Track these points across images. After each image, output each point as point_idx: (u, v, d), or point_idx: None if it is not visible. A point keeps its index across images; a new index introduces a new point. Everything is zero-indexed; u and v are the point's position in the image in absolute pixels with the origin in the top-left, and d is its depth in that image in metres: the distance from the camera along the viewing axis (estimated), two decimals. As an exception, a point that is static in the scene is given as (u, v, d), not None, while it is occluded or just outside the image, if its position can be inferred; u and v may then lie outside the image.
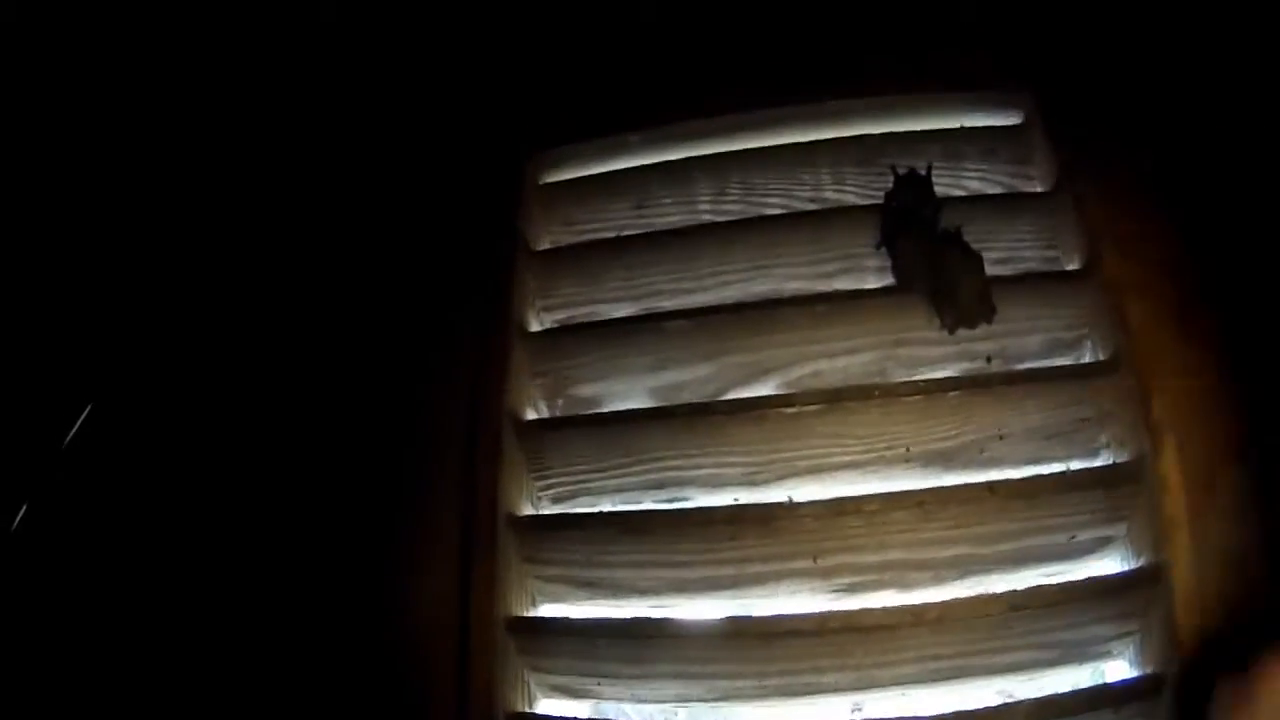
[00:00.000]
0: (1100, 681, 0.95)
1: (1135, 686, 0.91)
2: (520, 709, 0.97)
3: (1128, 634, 0.93)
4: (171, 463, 1.10)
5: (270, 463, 1.07)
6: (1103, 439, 1.00)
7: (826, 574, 0.96)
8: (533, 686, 1.00)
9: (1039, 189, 1.11)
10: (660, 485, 1.01)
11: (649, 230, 1.11)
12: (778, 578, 0.96)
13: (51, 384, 1.18)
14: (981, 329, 1.01)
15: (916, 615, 0.92)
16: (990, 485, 0.97)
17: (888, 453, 1.00)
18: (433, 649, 0.97)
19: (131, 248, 1.21)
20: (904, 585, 0.96)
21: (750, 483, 1.00)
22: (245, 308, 1.16)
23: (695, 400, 1.03)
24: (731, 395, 1.03)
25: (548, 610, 1.02)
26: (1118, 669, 0.95)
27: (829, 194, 1.10)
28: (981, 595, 0.94)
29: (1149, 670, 0.91)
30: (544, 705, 1.00)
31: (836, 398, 1.00)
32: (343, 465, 1.05)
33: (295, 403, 1.09)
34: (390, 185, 1.17)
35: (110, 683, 1.01)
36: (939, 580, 0.96)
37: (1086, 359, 1.03)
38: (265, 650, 1.00)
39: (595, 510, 1.02)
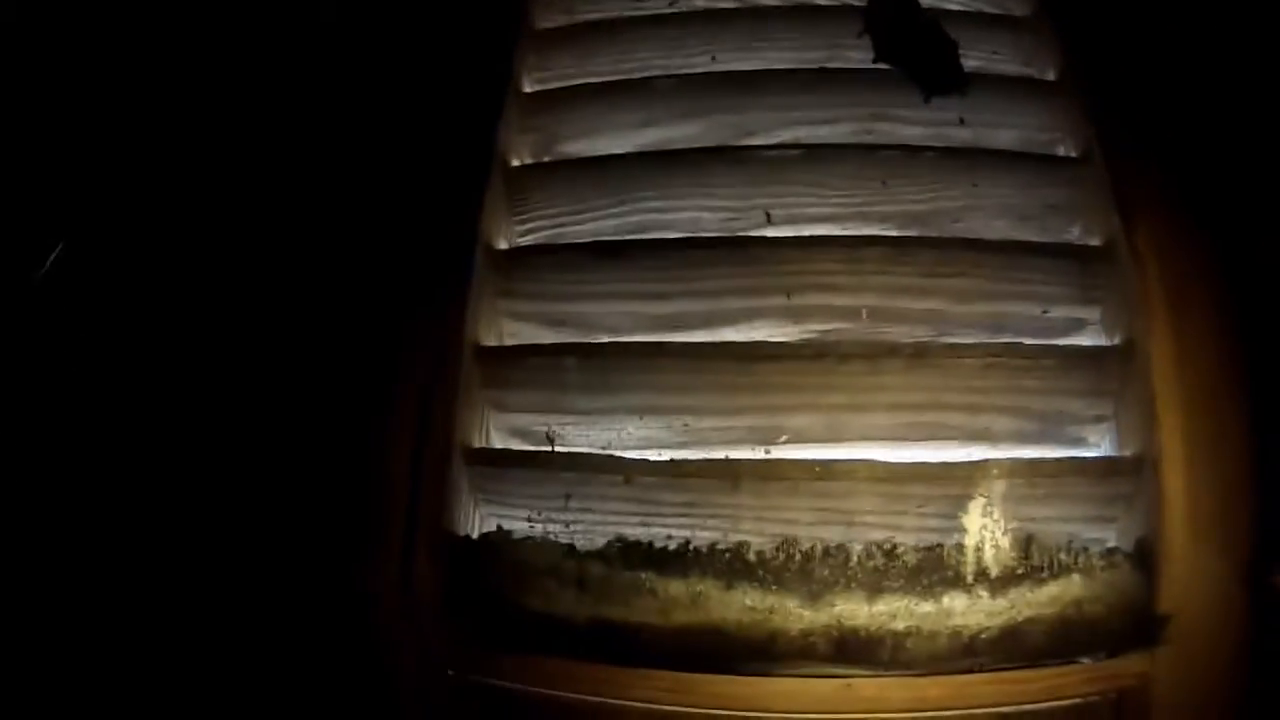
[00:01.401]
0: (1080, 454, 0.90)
1: (1114, 461, 0.87)
2: (477, 445, 0.91)
3: (1104, 416, 0.90)
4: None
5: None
6: (1074, 229, 0.97)
7: (800, 314, 0.92)
8: (491, 429, 0.94)
9: (1016, 14, 1.10)
10: (641, 229, 0.97)
11: (644, 14, 1.09)
12: (750, 315, 0.92)
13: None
14: (956, 112, 1.01)
15: (891, 350, 0.88)
16: (965, 241, 0.94)
17: (864, 209, 0.96)
18: (395, 374, 0.93)
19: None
20: (878, 334, 0.91)
21: (728, 229, 0.96)
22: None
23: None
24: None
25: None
26: (1098, 448, 0.90)
27: (819, -1, 1.08)
28: (958, 343, 0.90)
29: (1129, 451, 0.87)
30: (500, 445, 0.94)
31: (815, 150, 0.97)
32: (340, 207, 1.02)
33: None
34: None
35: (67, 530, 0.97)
36: (914, 335, 0.92)
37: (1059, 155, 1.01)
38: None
39: (573, 242, 0.97)
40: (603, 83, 1.05)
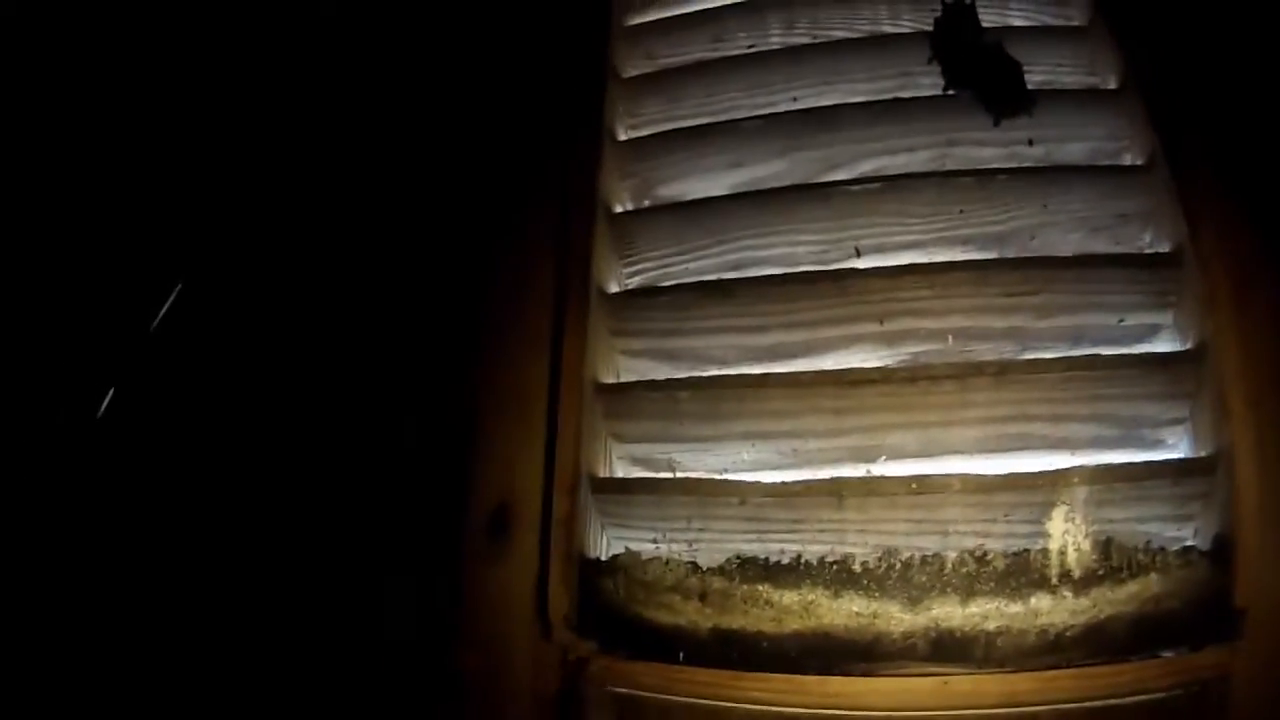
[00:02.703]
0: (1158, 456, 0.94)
1: (1190, 462, 0.91)
2: (602, 474, 1.00)
3: (1180, 419, 0.94)
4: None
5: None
6: (1145, 236, 1.02)
7: (892, 339, 0.98)
8: (614, 459, 1.02)
9: (1077, 23, 1.13)
10: (737, 266, 1.04)
11: (724, 55, 1.15)
12: (846, 343, 0.99)
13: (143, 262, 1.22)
14: (1025, 131, 1.05)
15: (977, 368, 0.94)
16: (1041, 259, 0.99)
17: (946, 233, 1.02)
18: (524, 410, 1.01)
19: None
20: (965, 354, 0.98)
21: (820, 261, 1.03)
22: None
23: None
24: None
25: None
26: (1174, 449, 0.95)
27: (886, 27, 1.14)
28: (1040, 358, 0.96)
29: (1204, 451, 0.91)
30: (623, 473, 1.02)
31: (896, 181, 1.03)
32: (445, 253, 1.11)
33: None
34: (494, 29, 1.23)
35: (174, 556, 1.05)
36: (998, 352, 0.98)
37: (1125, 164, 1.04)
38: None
39: (678, 282, 1.05)
40: (692, 126, 1.12)
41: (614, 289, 1.07)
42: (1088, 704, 0.86)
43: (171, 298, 1.16)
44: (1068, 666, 0.87)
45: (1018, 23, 1.14)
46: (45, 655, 1.03)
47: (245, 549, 1.04)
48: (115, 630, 1.04)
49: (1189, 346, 0.96)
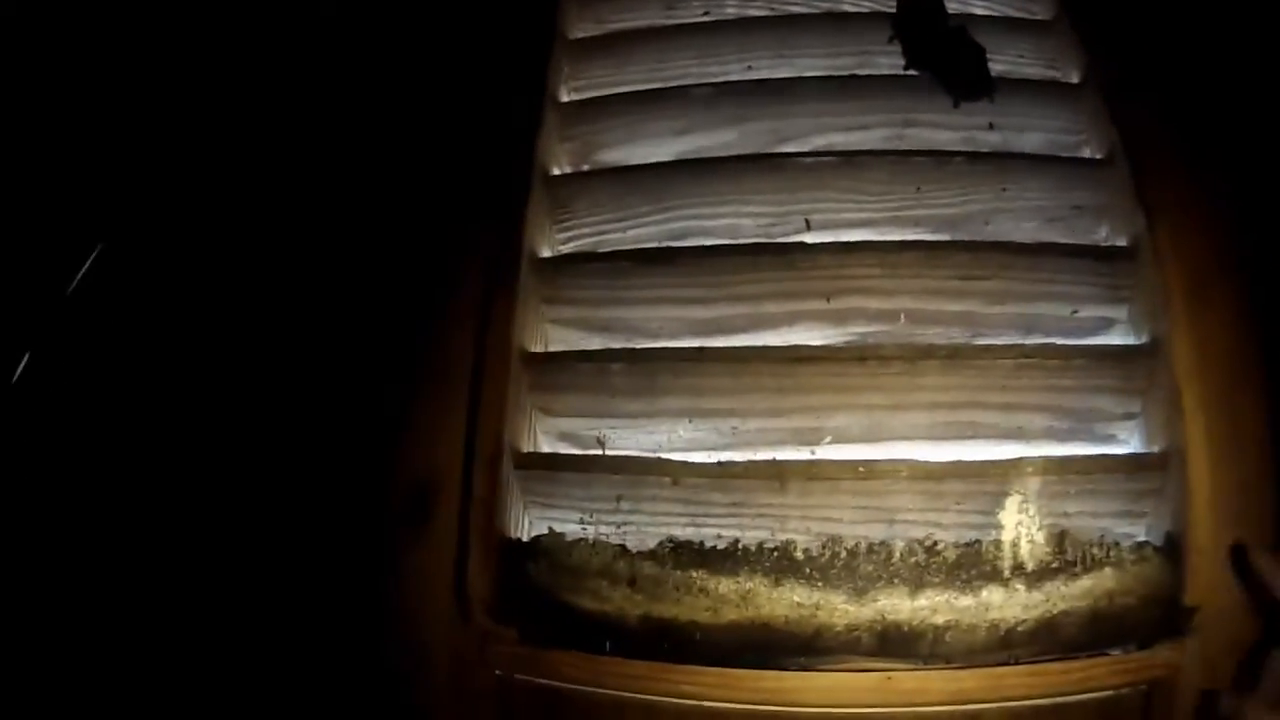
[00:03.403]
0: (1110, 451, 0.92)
1: (1143, 457, 0.89)
2: (526, 450, 0.93)
3: (1133, 413, 0.92)
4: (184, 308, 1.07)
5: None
6: (1102, 230, 1.00)
7: (840, 318, 0.94)
8: (540, 433, 0.96)
9: (1040, 17, 1.12)
10: (681, 235, 0.99)
11: (677, 23, 1.11)
12: (792, 319, 0.94)
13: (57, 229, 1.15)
14: (984, 117, 1.03)
15: (927, 352, 0.90)
16: (995, 244, 0.96)
17: (899, 212, 0.98)
18: (447, 379, 0.94)
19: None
20: (915, 336, 0.94)
21: (767, 234, 0.98)
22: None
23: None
24: (750, 155, 1.00)
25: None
26: (1127, 444, 0.93)
27: (846, 5, 1.12)
28: (992, 344, 0.93)
29: (1157, 447, 0.89)
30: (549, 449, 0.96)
31: (850, 157, 0.99)
32: (369, 214, 1.04)
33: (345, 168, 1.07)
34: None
35: (109, 526, 0.97)
36: (949, 336, 0.95)
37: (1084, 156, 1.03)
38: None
39: (615, 249, 0.99)
40: (639, 91, 1.07)
41: (546, 254, 1.00)
42: (1036, 702, 0.83)
43: (89, 261, 1.07)
44: (1016, 663, 0.83)
45: (980, 12, 1.13)
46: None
47: (152, 529, 0.95)
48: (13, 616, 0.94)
49: (1143, 341, 0.94)
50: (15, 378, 1.06)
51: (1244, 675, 0.81)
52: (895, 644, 0.84)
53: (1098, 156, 1.03)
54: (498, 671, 0.87)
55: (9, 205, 1.15)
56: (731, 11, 1.12)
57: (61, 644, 0.96)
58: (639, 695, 0.86)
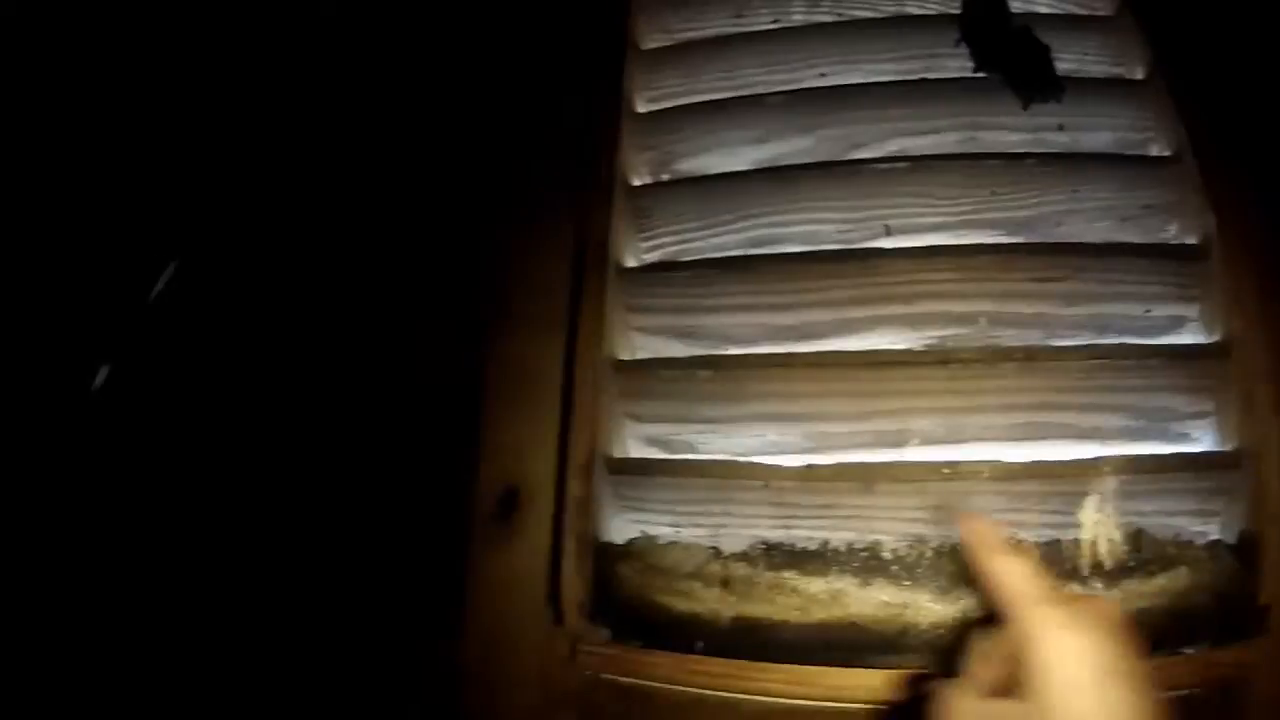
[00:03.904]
0: (1183, 450, 0.93)
1: (1216, 456, 0.91)
2: (618, 456, 0.96)
3: (1205, 412, 0.93)
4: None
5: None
6: (1171, 228, 1.01)
7: (919, 322, 0.96)
8: (630, 439, 0.98)
9: (1103, 13, 1.12)
10: (761, 243, 1.01)
11: (746, 30, 1.13)
12: (872, 324, 0.96)
13: (137, 243, 1.19)
14: (1054, 117, 1.04)
15: (1004, 354, 0.93)
16: (1068, 245, 0.98)
17: (973, 216, 1.00)
18: (537, 388, 0.98)
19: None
20: (992, 339, 0.96)
21: (845, 240, 1.00)
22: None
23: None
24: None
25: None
26: (1199, 443, 0.94)
27: (911, 8, 1.13)
28: (1066, 346, 0.94)
29: (1229, 446, 0.90)
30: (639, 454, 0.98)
31: (922, 161, 1.01)
32: (459, 229, 1.07)
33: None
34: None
35: (188, 526, 1.01)
36: (1024, 338, 0.96)
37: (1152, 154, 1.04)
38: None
39: (698, 257, 1.01)
40: (714, 100, 1.09)
41: (631, 264, 1.03)
42: None
43: (168, 273, 1.10)
44: None
45: (1044, 10, 1.13)
46: (36, 644, 0.97)
47: (241, 535, 0.99)
48: (105, 619, 0.98)
49: (1214, 340, 0.95)
50: (96, 387, 1.08)
51: None
52: (979, 642, 0.85)
53: (1165, 154, 1.04)
54: (587, 671, 0.90)
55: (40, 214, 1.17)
56: (799, 18, 1.14)
57: (141, 645, 1.01)
58: (724, 693, 0.88)
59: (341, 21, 1.20)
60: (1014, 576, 0.64)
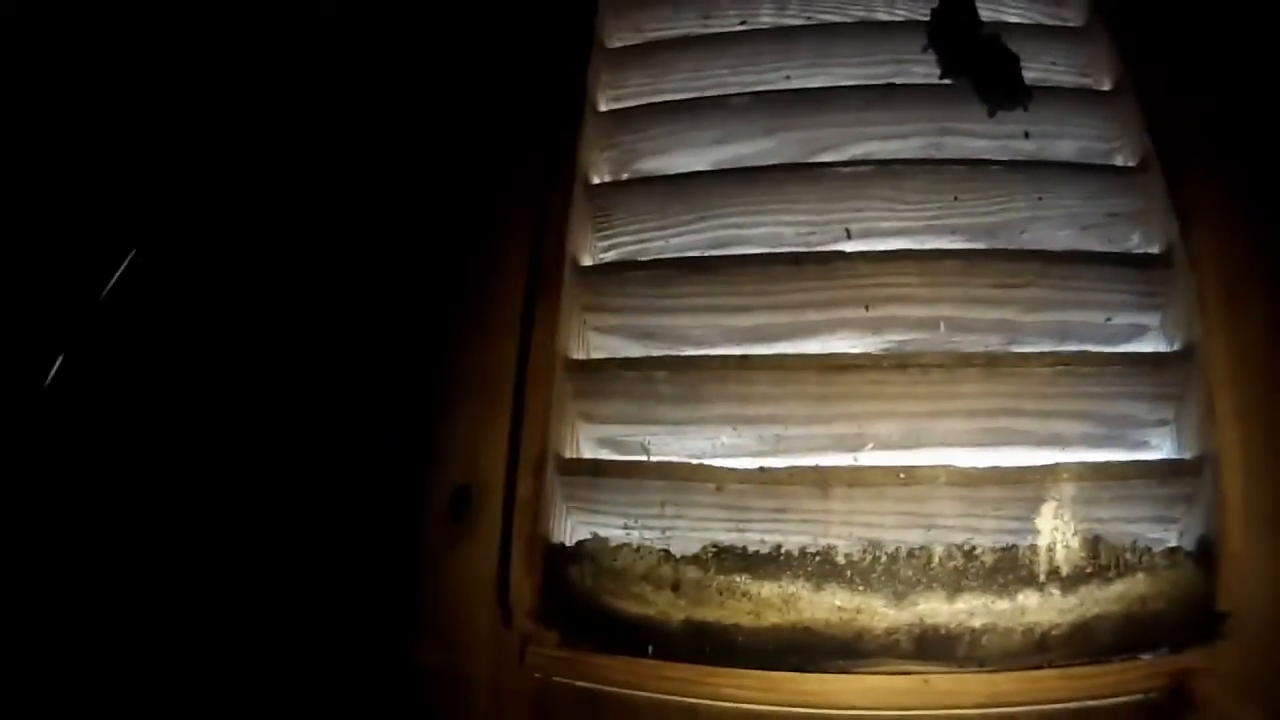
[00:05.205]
0: (1143, 457, 0.93)
1: (1176, 464, 0.91)
2: (569, 456, 0.95)
3: (1166, 420, 0.93)
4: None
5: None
6: (1135, 236, 1.01)
7: (879, 326, 0.96)
8: (583, 440, 0.98)
9: (1073, 24, 1.13)
10: (722, 244, 1.01)
11: (714, 31, 1.13)
12: (832, 327, 0.96)
13: (92, 231, 1.18)
14: (1020, 125, 1.05)
15: (965, 360, 0.92)
16: (1032, 252, 0.98)
17: (935, 222, 1.00)
18: (490, 386, 0.97)
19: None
20: (952, 344, 0.96)
21: (806, 243, 1.00)
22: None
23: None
24: (789, 164, 1.02)
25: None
26: (1160, 450, 0.94)
27: (879, 14, 1.13)
28: (1029, 352, 0.94)
29: (1190, 454, 0.90)
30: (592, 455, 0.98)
31: (887, 165, 1.01)
32: (414, 223, 1.06)
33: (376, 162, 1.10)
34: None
35: (147, 521, 0.99)
36: (986, 344, 0.96)
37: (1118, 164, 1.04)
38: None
39: (656, 257, 1.01)
40: (678, 100, 1.09)
41: (588, 262, 1.02)
42: (1069, 705, 0.84)
43: (123, 266, 1.09)
44: (1051, 666, 0.85)
45: (1013, 19, 1.14)
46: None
47: (195, 533, 0.97)
48: (54, 616, 0.96)
49: (1175, 348, 0.95)
50: (48, 381, 1.07)
51: None
52: (933, 647, 0.86)
53: (1131, 164, 1.04)
54: (537, 674, 0.89)
55: (38, 211, 1.16)
56: (767, 20, 1.14)
57: (93, 644, 0.98)
58: (679, 698, 0.87)
59: (310, 21, 1.19)
60: None
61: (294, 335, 1.04)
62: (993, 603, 0.86)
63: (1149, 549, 0.88)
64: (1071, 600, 0.86)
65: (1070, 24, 1.14)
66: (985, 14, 1.12)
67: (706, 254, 1.00)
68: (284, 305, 1.06)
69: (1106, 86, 1.09)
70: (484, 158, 1.08)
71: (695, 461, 0.93)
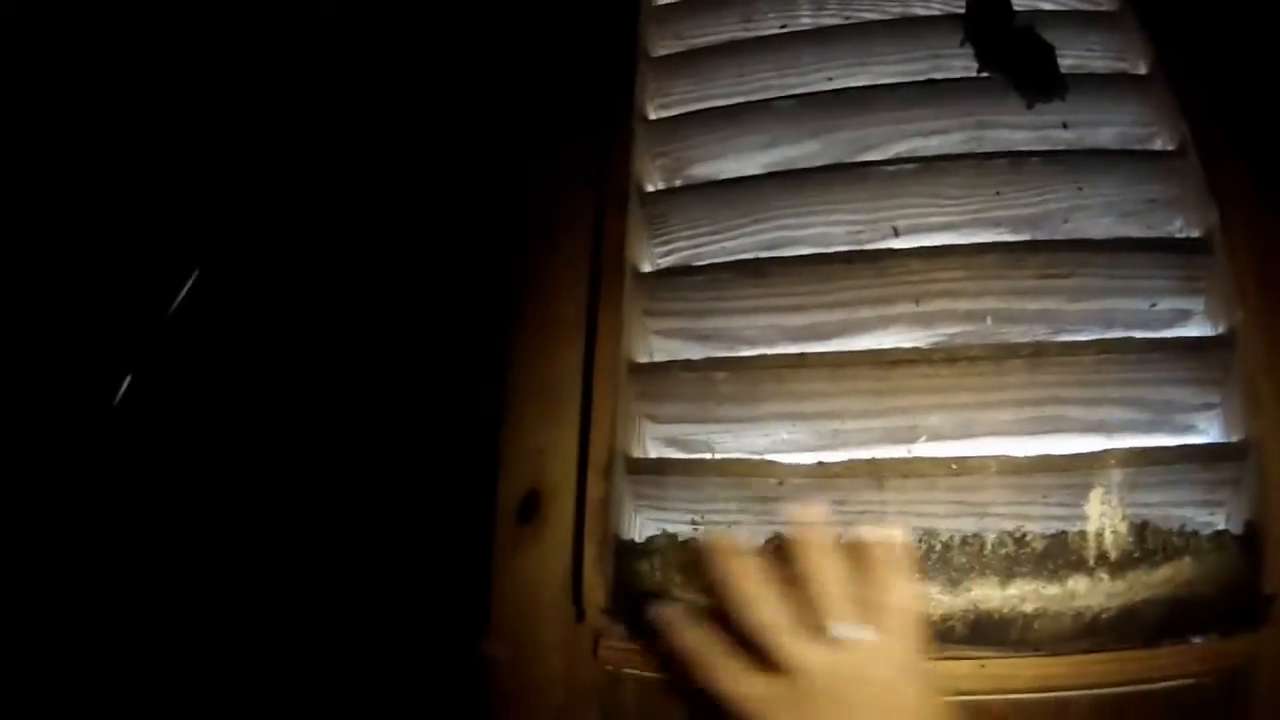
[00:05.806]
0: (1189, 441, 0.95)
1: (1221, 447, 0.93)
2: (637, 456, 0.99)
3: (1211, 404, 0.95)
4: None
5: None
6: (1176, 222, 1.03)
7: (928, 320, 0.99)
8: (649, 440, 1.02)
9: (1106, 9, 1.15)
10: (774, 245, 1.04)
11: (755, 36, 1.16)
12: (884, 323, 0.99)
13: (159, 250, 1.25)
14: (1058, 115, 1.07)
15: (1012, 350, 0.95)
16: (1074, 241, 1.01)
17: (980, 215, 1.03)
18: (557, 392, 1.01)
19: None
20: (999, 335, 0.99)
21: (856, 242, 1.03)
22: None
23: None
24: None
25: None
26: (1205, 435, 0.96)
27: (916, 9, 1.15)
28: (1073, 341, 0.97)
29: (1235, 438, 0.92)
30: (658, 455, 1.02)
31: (930, 162, 1.04)
32: (476, 237, 1.10)
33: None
34: (524, 11, 1.22)
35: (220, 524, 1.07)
36: (1032, 334, 0.99)
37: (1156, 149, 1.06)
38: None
39: (712, 261, 1.05)
40: (724, 105, 1.12)
41: (647, 269, 1.07)
42: (1120, 689, 0.86)
43: (189, 283, 1.14)
44: (1101, 651, 0.88)
45: (1048, 7, 1.16)
46: (60, 649, 1.01)
47: (268, 539, 1.03)
48: (134, 626, 1.02)
49: (1219, 333, 0.97)
50: (118, 398, 1.12)
51: None
52: (987, 632, 0.89)
53: (1169, 148, 1.06)
54: (609, 667, 0.93)
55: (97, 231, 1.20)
56: (806, 22, 1.17)
57: (174, 644, 1.05)
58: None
59: (365, 31, 1.23)
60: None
61: (364, 347, 1.09)
62: (1043, 588, 0.89)
63: (1195, 533, 0.90)
64: (1120, 584, 0.89)
65: (1104, 9, 1.16)
66: (1020, 3, 1.14)
67: (760, 256, 1.03)
68: (354, 316, 1.10)
69: (1142, 71, 1.11)
70: (542, 171, 1.11)
71: (756, 457, 0.97)
